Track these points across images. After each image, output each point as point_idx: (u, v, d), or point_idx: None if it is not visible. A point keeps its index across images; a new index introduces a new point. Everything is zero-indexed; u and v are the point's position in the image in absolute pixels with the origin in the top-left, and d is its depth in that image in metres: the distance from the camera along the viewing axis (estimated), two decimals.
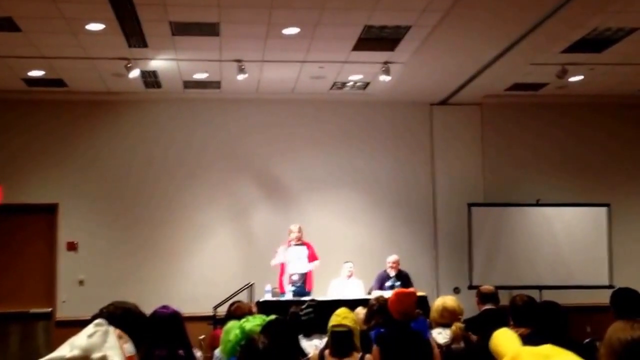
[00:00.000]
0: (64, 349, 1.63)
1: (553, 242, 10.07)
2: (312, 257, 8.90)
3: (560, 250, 10.03)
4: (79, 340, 1.72)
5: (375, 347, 4.44)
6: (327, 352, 4.44)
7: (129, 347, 1.83)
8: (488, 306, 5.62)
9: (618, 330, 1.95)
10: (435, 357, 4.40)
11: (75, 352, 1.60)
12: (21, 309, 9.69)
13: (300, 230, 8.96)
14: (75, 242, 9.95)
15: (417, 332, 4.48)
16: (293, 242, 8.91)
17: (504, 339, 1.05)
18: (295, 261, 8.81)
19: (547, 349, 0.97)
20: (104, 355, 1.69)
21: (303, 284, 8.70)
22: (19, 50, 8.13)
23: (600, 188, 10.59)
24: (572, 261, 9.98)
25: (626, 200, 10.61)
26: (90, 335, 1.73)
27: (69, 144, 10.08)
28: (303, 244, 8.94)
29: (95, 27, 7.40)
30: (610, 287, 8.89)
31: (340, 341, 4.35)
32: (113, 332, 1.80)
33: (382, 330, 4.50)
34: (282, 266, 8.92)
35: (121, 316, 2.44)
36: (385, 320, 5.05)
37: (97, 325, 1.77)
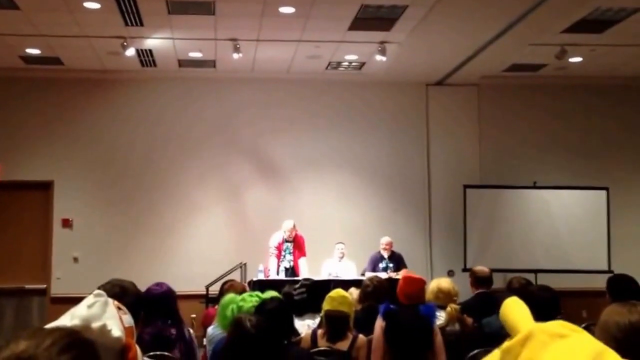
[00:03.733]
0: (65, 319, 1.68)
1: (550, 226, 10.03)
2: (300, 252, 8.87)
3: (557, 234, 9.99)
4: (79, 310, 1.76)
5: (380, 321, 4.44)
6: (320, 332, 4.45)
7: (128, 318, 1.87)
8: (482, 289, 5.61)
9: (615, 314, 1.92)
10: (437, 345, 4.36)
11: (76, 322, 1.63)
12: (16, 285, 9.76)
13: (294, 228, 8.86)
14: (70, 220, 9.95)
15: (423, 316, 4.45)
16: (286, 238, 8.82)
17: (517, 309, 1.03)
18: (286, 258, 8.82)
19: (560, 327, 0.94)
20: (103, 324, 1.73)
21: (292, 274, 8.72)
22: (17, 27, 8.11)
23: (599, 171, 10.56)
24: (569, 245, 9.93)
25: (625, 183, 10.58)
26: (90, 306, 1.78)
27: (64, 121, 10.06)
28: (295, 238, 8.87)
29: (92, 5, 7.38)
30: (608, 271, 8.86)
31: (336, 326, 4.37)
32: (112, 303, 1.84)
33: (392, 306, 4.48)
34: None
35: (118, 294, 2.48)
36: (383, 300, 5.04)
37: (97, 295, 1.82)
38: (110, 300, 1.80)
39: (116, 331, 1.72)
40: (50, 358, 1.00)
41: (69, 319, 1.64)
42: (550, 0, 6.97)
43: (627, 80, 10.63)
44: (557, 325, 0.94)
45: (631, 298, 4.23)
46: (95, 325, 1.68)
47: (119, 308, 1.83)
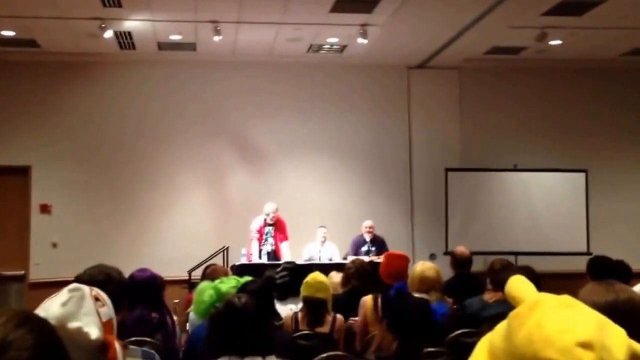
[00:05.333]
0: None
1: (530, 208, 10.14)
2: (282, 235, 8.88)
3: (537, 216, 10.11)
4: (53, 309, 1.69)
5: (369, 297, 4.48)
6: (300, 315, 4.49)
7: (106, 311, 1.81)
8: (462, 270, 5.68)
9: (592, 293, 1.96)
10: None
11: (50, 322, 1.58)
12: None
13: (275, 211, 8.87)
14: (49, 205, 9.87)
15: (431, 308, 4.48)
16: (268, 221, 8.83)
17: (522, 284, 1.07)
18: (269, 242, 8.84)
19: (568, 299, 0.99)
20: (79, 327, 1.67)
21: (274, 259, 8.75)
22: None
23: (578, 153, 10.67)
24: (549, 227, 10.05)
25: (604, 166, 10.69)
26: (64, 304, 1.71)
27: (41, 105, 9.94)
28: (277, 221, 8.89)
29: None
30: (587, 254, 8.98)
31: (314, 311, 4.42)
32: (89, 296, 1.77)
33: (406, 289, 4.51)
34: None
35: (102, 282, 2.45)
36: (365, 282, 5.07)
37: (72, 290, 1.75)
38: (87, 292, 1.75)
39: (94, 331, 1.66)
40: (6, 333, 1.02)
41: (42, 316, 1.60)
42: None
43: (606, 63, 10.71)
44: (565, 297, 0.99)
45: (609, 277, 4.32)
46: (72, 325, 1.63)
47: (96, 299, 1.79)
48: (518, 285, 1.06)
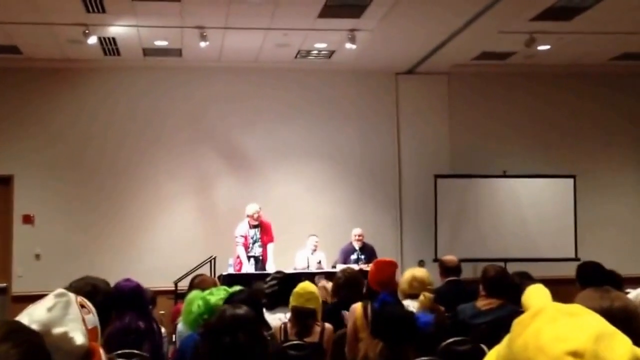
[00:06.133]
0: (23, 320, 1.60)
1: (519, 214, 10.21)
2: (268, 238, 8.89)
3: (526, 223, 10.17)
4: (38, 313, 1.69)
5: (357, 305, 4.48)
6: (289, 325, 4.49)
7: (92, 318, 1.81)
8: (453, 277, 5.70)
9: (587, 300, 1.97)
10: None
11: (34, 327, 1.57)
12: None
13: (259, 211, 8.87)
14: (32, 215, 9.80)
15: (414, 316, 4.50)
16: (252, 223, 8.84)
17: (536, 294, 1.08)
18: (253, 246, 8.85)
19: (574, 308, 0.99)
20: (65, 332, 1.67)
21: (262, 265, 8.75)
22: None
23: (567, 159, 10.74)
24: (538, 233, 10.12)
25: (592, 171, 10.76)
26: (50, 309, 1.70)
27: (24, 113, 9.87)
28: (261, 223, 8.89)
29: None
30: (576, 259, 9.06)
31: (303, 321, 4.43)
32: (75, 302, 1.77)
33: (390, 299, 4.51)
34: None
35: (89, 292, 2.45)
36: (356, 291, 5.07)
37: (58, 296, 1.74)
38: (72, 299, 1.75)
39: (79, 337, 1.66)
40: None
41: (26, 322, 1.58)
42: None
43: (595, 68, 10.81)
44: (573, 307, 1.00)
45: (599, 285, 4.35)
46: (57, 331, 1.62)
47: (82, 306, 1.79)
48: (531, 295, 1.07)
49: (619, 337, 0.93)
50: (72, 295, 1.78)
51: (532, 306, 1.02)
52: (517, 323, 1.00)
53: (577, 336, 0.91)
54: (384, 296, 4.47)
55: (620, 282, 4.64)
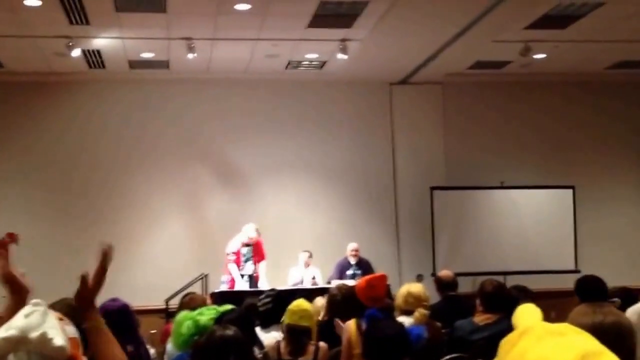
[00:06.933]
0: (0, 330, 1.60)
1: (518, 226, 10.20)
2: (259, 257, 8.88)
3: (525, 235, 10.17)
4: (16, 321, 1.69)
5: (351, 323, 4.47)
6: (282, 344, 4.47)
7: (71, 329, 1.80)
8: (449, 292, 5.70)
9: (580, 315, 1.99)
10: None
11: (12, 332, 1.58)
12: None
13: (257, 233, 8.88)
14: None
15: (407, 331, 4.49)
16: (247, 242, 8.84)
17: (526, 312, 1.09)
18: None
19: (562, 327, 1.00)
20: (43, 333, 1.67)
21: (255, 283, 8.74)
22: None
23: (565, 169, 10.77)
24: (538, 245, 10.11)
25: (591, 182, 10.78)
26: (27, 315, 1.71)
27: (6, 128, 9.85)
28: (253, 242, 8.89)
29: (33, 2, 7.22)
30: (576, 271, 9.06)
31: (297, 340, 4.41)
32: (52, 314, 1.78)
33: (380, 314, 4.50)
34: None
35: (67, 315, 2.42)
36: (353, 308, 5.06)
37: (35, 305, 1.75)
38: (49, 310, 1.75)
39: (58, 340, 1.65)
40: None
41: (4, 330, 1.58)
42: None
43: (592, 77, 10.87)
44: (561, 326, 1.00)
45: (599, 298, 4.37)
46: (34, 334, 1.62)
47: (60, 319, 1.78)
48: (522, 314, 1.08)
49: (606, 357, 0.94)
50: (49, 309, 1.78)
51: (521, 325, 1.03)
52: (505, 342, 1.01)
53: (563, 356, 0.92)
54: (372, 312, 4.46)
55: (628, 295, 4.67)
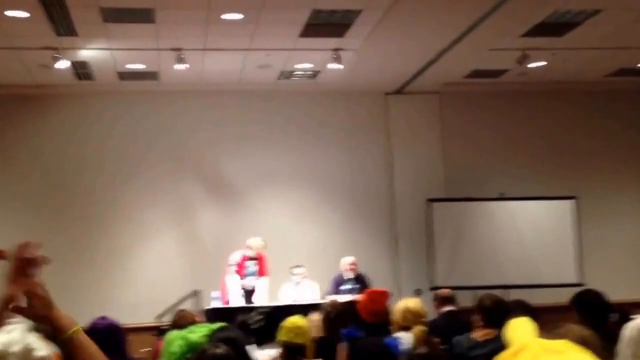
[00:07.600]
0: None
1: (518, 239, 10.14)
2: (262, 272, 8.87)
3: (525, 247, 10.11)
4: None
5: (344, 346, 4.45)
6: None
7: (53, 347, 1.82)
8: (448, 308, 5.69)
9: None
10: None
11: None
12: None
13: (262, 247, 8.90)
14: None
15: (388, 346, 4.47)
16: (251, 255, 8.84)
17: (520, 328, 1.07)
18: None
19: (558, 345, 0.98)
20: (25, 345, 1.68)
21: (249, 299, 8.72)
22: None
23: (566, 180, 10.74)
24: (539, 258, 10.04)
25: (592, 192, 10.76)
26: (9, 331, 1.74)
27: None
28: (258, 256, 8.87)
29: (17, 14, 7.22)
30: (579, 284, 9.00)
31: (292, 357, 4.39)
32: (33, 333, 1.80)
33: (357, 333, 4.49)
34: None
35: (51, 336, 2.41)
36: (349, 324, 5.04)
37: (17, 322, 1.77)
38: (30, 329, 1.76)
39: (41, 350, 1.67)
40: None
41: None
42: (508, 3, 7.14)
43: (591, 85, 10.89)
44: (558, 343, 0.99)
45: (597, 312, 4.35)
46: (16, 347, 1.63)
47: (42, 338, 1.79)
48: (515, 329, 1.07)
49: None
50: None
51: (516, 342, 1.02)
52: None
53: None
54: (349, 331, 4.47)
55: (620, 311, 4.63)
